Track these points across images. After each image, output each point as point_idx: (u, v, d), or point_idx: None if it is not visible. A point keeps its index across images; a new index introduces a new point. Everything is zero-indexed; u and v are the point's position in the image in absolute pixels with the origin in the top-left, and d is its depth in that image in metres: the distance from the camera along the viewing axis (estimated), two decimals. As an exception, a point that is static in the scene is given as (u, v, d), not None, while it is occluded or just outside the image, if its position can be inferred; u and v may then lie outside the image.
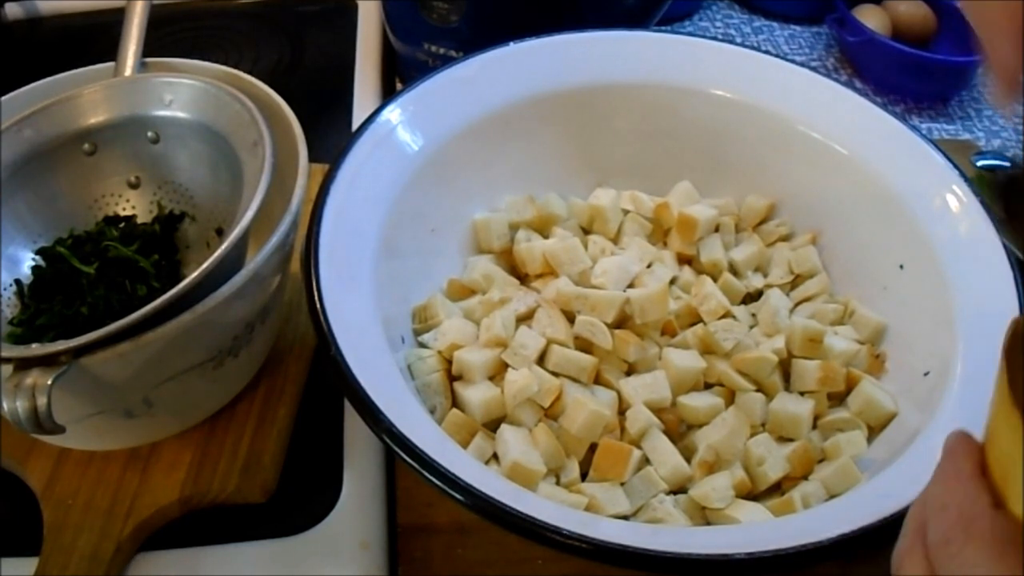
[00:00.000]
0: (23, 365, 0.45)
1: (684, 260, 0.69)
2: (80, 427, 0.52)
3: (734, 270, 0.68)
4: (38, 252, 0.61)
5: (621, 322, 0.60)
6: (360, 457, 0.62)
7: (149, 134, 0.63)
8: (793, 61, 0.70)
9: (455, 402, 0.59)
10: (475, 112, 0.67)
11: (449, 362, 0.59)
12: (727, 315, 0.63)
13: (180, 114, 0.62)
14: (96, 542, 0.54)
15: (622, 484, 0.55)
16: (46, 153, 0.61)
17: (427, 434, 0.48)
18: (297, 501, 0.59)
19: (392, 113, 0.63)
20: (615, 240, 0.69)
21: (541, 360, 0.58)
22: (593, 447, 0.56)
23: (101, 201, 0.65)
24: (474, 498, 0.44)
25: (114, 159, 0.64)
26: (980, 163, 0.90)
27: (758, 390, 0.60)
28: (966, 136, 0.98)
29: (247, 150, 0.57)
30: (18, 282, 0.60)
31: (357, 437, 0.63)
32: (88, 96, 0.62)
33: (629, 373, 0.60)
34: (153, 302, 0.47)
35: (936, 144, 0.64)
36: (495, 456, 0.56)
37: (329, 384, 0.64)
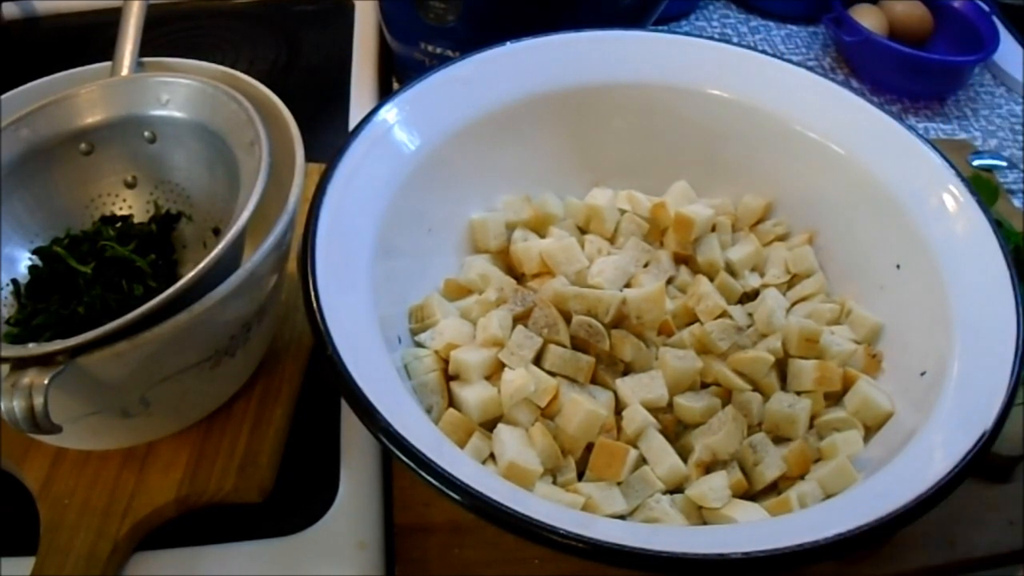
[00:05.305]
0: (20, 365, 0.45)
1: (681, 260, 0.69)
2: (77, 427, 0.52)
3: (731, 270, 0.68)
4: (35, 252, 0.61)
5: (618, 322, 0.60)
6: (357, 457, 0.62)
7: (146, 134, 0.63)
8: (790, 61, 0.70)
9: (452, 402, 0.58)
10: (472, 112, 0.66)
11: (446, 362, 0.59)
12: (724, 315, 0.63)
13: (177, 114, 0.62)
14: (93, 541, 0.54)
15: (619, 484, 0.55)
16: (43, 153, 0.61)
17: (424, 434, 0.48)
18: (294, 501, 0.59)
19: (389, 113, 0.63)
20: (612, 240, 0.69)
21: (538, 360, 0.58)
22: (590, 447, 0.56)
23: (98, 201, 0.65)
24: (471, 498, 0.44)
25: (111, 159, 0.64)
26: (976, 162, 0.90)
27: (755, 390, 0.60)
28: (963, 135, 0.98)
29: (244, 150, 0.57)
30: (15, 282, 0.60)
31: (354, 437, 0.63)
32: (85, 96, 0.62)
33: (626, 373, 0.60)
34: (150, 302, 0.47)
35: (933, 144, 0.64)
36: (492, 456, 0.56)
37: (326, 384, 0.64)
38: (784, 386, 0.61)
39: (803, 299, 0.67)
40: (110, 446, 0.58)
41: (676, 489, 0.56)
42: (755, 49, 0.73)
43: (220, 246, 0.50)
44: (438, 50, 0.86)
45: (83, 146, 0.63)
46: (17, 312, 0.59)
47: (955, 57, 1.00)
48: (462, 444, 0.55)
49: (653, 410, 0.57)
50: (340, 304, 0.52)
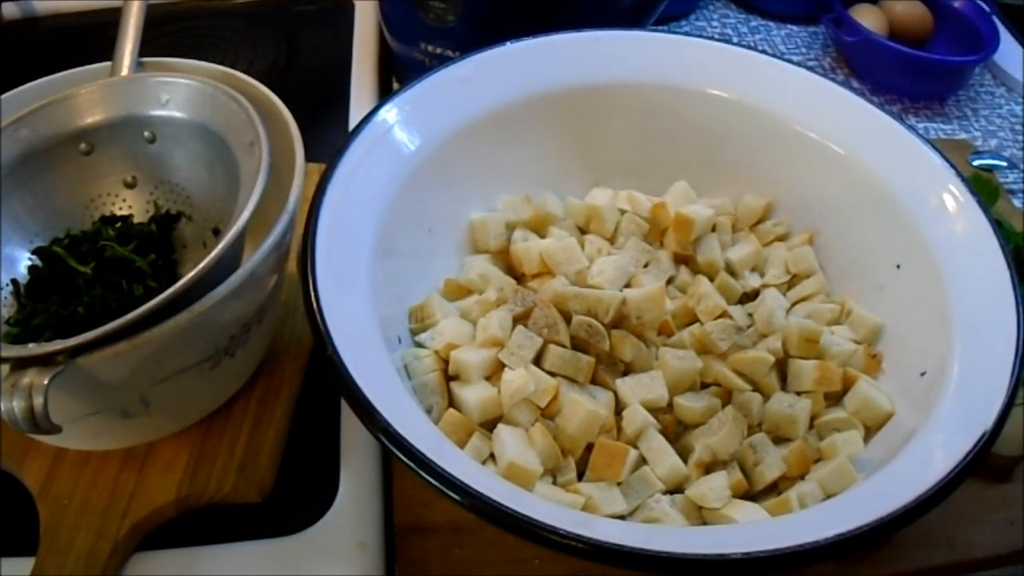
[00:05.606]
0: (20, 365, 0.45)
1: (681, 260, 0.69)
2: (77, 427, 0.52)
3: (731, 270, 0.68)
4: (35, 252, 0.61)
5: (618, 322, 0.60)
6: (357, 457, 0.62)
7: (146, 134, 0.63)
8: (790, 61, 0.70)
9: (452, 402, 0.58)
10: (472, 112, 0.66)
11: (446, 362, 0.59)
12: (724, 315, 0.63)
13: (176, 114, 0.62)
14: (93, 542, 0.54)
15: (619, 484, 0.55)
16: (43, 153, 0.61)
17: (424, 434, 0.48)
18: (294, 501, 0.59)
19: (389, 113, 0.63)
20: (612, 240, 0.70)
21: (538, 360, 0.58)
22: (590, 447, 0.56)
23: (97, 201, 0.65)
24: (471, 498, 0.44)
25: (111, 159, 0.64)
26: (977, 162, 0.90)
27: (755, 390, 0.60)
28: (963, 136, 0.98)
29: (244, 150, 0.57)
30: (15, 282, 0.60)
31: (354, 437, 0.63)
32: (85, 96, 0.62)
33: (626, 373, 0.60)
34: (150, 302, 0.47)
35: (933, 144, 0.64)
36: (492, 456, 0.56)
37: (326, 384, 0.64)
38: (784, 386, 0.61)
39: (803, 299, 0.67)
40: (110, 446, 0.58)
41: (676, 489, 0.56)
42: (755, 49, 0.73)
43: (220, 246, 0.50)
44: (438, 50, 0.86)
45: (83, 146, 0.63)
46: (17, 312, 0.59)
47: (955, 57, 1.00)
48: (462, 444, 0.55)
49: (653, 410, 0.57)
50: (340, 304, 0.52)
